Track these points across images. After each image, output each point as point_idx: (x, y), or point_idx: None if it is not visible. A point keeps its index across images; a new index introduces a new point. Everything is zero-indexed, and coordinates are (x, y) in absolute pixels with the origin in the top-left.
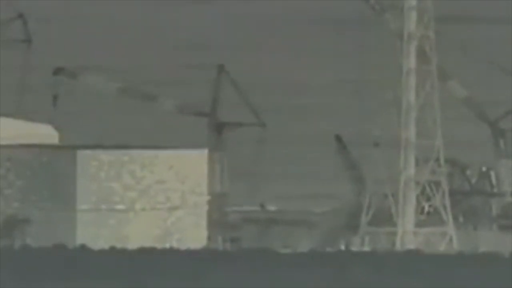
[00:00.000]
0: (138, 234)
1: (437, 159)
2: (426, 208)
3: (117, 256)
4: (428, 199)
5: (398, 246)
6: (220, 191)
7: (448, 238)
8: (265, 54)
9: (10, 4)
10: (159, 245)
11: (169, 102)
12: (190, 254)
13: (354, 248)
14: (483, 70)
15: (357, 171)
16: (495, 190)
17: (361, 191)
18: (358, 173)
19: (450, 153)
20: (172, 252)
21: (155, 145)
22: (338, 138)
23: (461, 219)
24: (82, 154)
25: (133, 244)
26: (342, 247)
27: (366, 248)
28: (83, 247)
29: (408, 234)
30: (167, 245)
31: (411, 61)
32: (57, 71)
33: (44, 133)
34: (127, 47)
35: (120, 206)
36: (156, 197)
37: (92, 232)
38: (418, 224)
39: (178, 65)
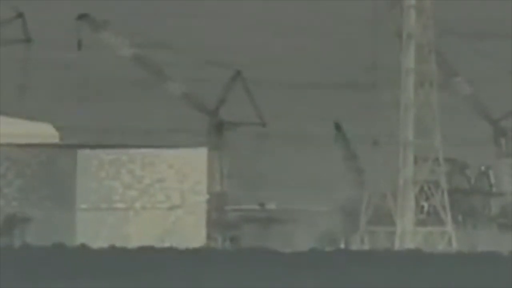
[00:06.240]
0: (138, 233)
1: (436, 159)
2: (425, 208)
3: (117, 255)
4: (427, 198)
5: (397, 246)
6: (219, 190)
7: (447, 238)
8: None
9: (10, 4)
10: (158, 244)
11: (177, 87)
12: (190, 253)
13: (353, 248)
14: (488, 67)
15: (356, 161)
16: (494, 189)
17: (360, 183)
18: (357, 164)
19: (449, 152)
20: (171, 251)
21: (155, 144)
22: (338, 126)
23: (460, 218)
24: (82, 153)
25: (133, 243)
26: (342, 247)
27: (366, 248)
28: (83, 246)
29: (407, 234)
30: (167, 244)
31: (410, 60)
32: (81, 16)
33: (44, 132)
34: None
35: (120, 205)
36: (156, 196)
37: (92, 231)
38: (417, 224)
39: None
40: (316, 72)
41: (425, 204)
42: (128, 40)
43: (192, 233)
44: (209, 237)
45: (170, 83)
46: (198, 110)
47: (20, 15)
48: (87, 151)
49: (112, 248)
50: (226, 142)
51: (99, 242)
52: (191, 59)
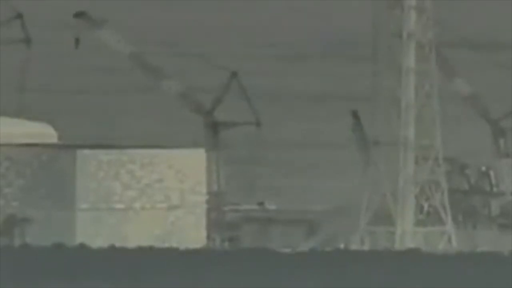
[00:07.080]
0: (137, 233)
1: (436, 159)
2: (425, 208)
3: (116, 255)
4: (427, 198)
5: (397, 246)
6: (217, 190)
7: (447, 237)
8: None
9: (10, 4)
10: (158, 244)
11: (174, 86)
12: (189, 253)
13: (353, 248)
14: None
15: (369, 151)
16: (494, 189)
17: (369, 171)
18: (369, 153)
19: (449, 152)
20: (171, 251)
21: (155, 144)
22: (355, 114)
23: (460, 218)
24: (81, 153)
25: (132, 243)
26: (342, 247)
27: (366, 248)
28: (82, 246)
29: (407, 234)
30: (166, 244)
31: (410, 61)
32: (78, 14)
33: (44, 132)
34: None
35: (119, 205)
36: (155, 196)
37: (92, 231)
38: (417, 224)
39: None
40: (317, 73)
41: (425, 204)
42: (125, 39)
43: (191, 233)
44: (208, 237)
45: (166, 81)
46: (194, 111)
47: (19, 15)
48: (86, 151)
49: (112, 248)
50: (222, 142)
51: (98, 242)
52: (189, 60)
